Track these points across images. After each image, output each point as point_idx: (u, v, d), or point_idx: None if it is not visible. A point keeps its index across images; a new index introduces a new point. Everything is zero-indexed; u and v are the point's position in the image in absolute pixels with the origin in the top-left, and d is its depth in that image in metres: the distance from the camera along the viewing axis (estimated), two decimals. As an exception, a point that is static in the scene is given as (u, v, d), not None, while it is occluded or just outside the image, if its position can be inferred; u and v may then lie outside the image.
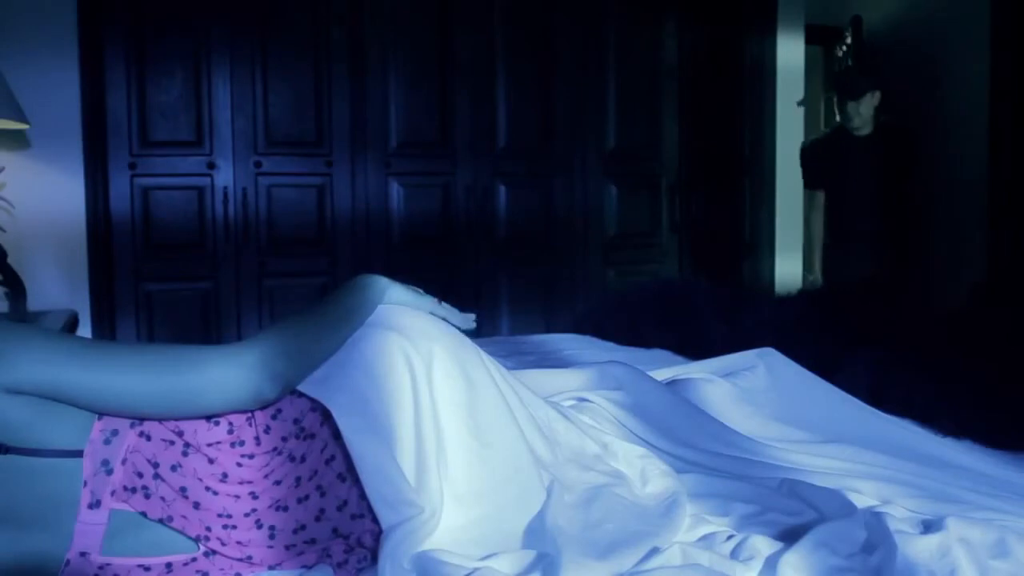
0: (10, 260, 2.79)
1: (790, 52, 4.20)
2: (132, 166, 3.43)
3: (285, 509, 1.12)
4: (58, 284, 3.22)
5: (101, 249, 3.36)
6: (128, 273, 3.45)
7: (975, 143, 4.18)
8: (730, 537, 1.15)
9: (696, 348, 2.10)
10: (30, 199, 3.11)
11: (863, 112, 3.83)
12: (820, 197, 4.01)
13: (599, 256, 3.99)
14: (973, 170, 4.18)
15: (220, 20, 3.48)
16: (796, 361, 1.86)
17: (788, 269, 4.25)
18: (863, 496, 1.29)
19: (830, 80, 4.34)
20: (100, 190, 3.36)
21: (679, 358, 2.11)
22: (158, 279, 3.49)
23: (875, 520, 1.12)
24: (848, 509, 1.18)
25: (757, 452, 1.49)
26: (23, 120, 2.79)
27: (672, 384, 1.70)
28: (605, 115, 4.01)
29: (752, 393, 1.76)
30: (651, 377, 1.68)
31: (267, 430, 1.17)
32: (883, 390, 1.80)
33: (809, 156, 4.08)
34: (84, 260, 3.28)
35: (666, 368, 1.89)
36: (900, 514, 1.21)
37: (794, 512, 1.23)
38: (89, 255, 3.28)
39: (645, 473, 1.36)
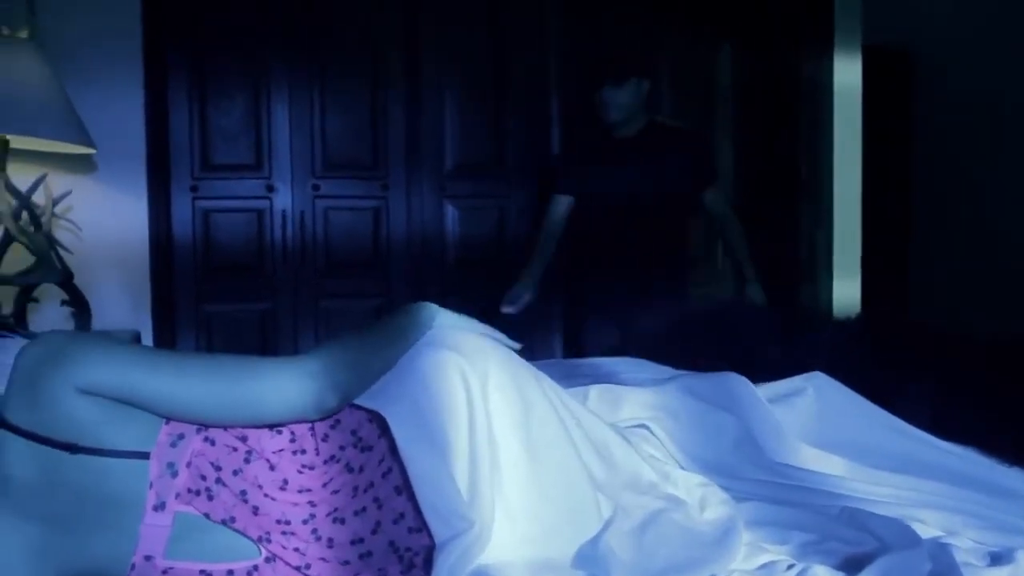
0: (76, 281, 2.85)
1: (847, 73, 4.16)
2: (194, 189, 3.50)
3: (342, 522, 1.14)
4: (122, 305, 3.29)
5: (163, 271, 3.43)
6: (189, 294, 3.52)
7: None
8: (791, 567, 1.14)
9: (747, 374, 2.08)
10: (96, 221, 3.18)
11: (623, 101, 3.09)
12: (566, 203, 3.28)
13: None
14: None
15: (279, 44, 3.55)
16: (851, 387, 1.83)
17: (846, 293, 4.19)
18: (927, 526, 1.27)
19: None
20: (163, 213, 3.43)
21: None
22: (218, 300, 3.55)
23: (941, 551, 1.10)
24: (912, 539, 1.15)
25: (815, 480, 1.47)
26: (90, 145, 2.86)
27: (733, 410, 1.68)
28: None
29: (801, 419, 1.74)
30: (707, 404, 1.67)
31: (325, 438, 1.20)
32: (943, 418, 1.77)
33: (562, 158, 3.56)
34: (147, 281, 3.34)
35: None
36: (966, 545, 1.19)
37: (855, 541, 1.21)
38: (152, 276, 3.35)
39: (705, 501, 1.35)
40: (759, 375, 1.93)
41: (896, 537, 1.17)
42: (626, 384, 1.94)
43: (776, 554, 1.21)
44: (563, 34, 3.85)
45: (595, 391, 1.68)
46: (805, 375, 1.89)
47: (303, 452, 1.19)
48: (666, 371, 2.17)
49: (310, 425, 1.21)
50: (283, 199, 3.57)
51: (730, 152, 4.12)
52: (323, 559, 1.11)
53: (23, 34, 2.78)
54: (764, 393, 1.84)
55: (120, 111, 3.24)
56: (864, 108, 4.18)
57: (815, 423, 1.73)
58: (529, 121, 3.82)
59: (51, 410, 1.06)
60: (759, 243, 4.10)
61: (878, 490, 1.41)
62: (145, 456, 1.10)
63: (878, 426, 1.72)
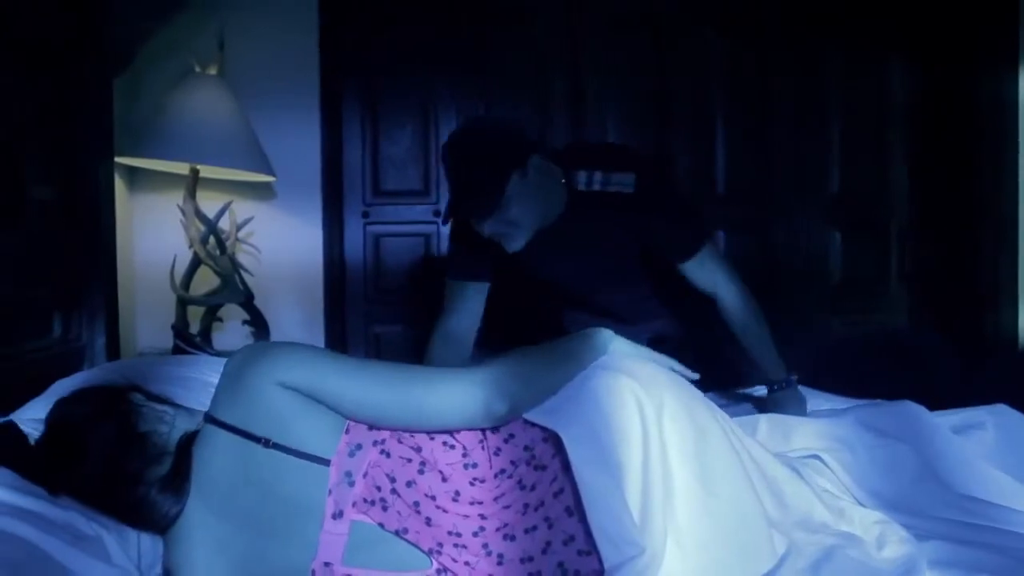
0: (256, 302, 3.01)
1: (1034, 88, 3.92)
2: (365, 214, 3.63)
3: (513, 538, 1.15)
4: (296, 324, 3.44)
5: (336, 292, 3.57)
6: (359, 315, 3.65)
7: None
8: (980, 611, 1.07)
9: (923, 404, 1.98)
10: (274, 246, 3.35)
11: (512, 219, 1.96)
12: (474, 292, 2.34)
13: (823, 304, 3.85)
14: None
15: (447, 75, 3.65)
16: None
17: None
18: None
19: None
20: (336, 237, 3.57)
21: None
22: (386, 321, 3.66)
23: None
24: (1119, 588, 1.07)
25: (1007, 518, 1.38)
26: (271, 173, 3.02)
27: (914, 440, 1.60)
28: (828, 159, 3.87)
29: (980, 453, 1.65)
30: (884, 436, 1.60)
31: (497, 452, 1.23)
32: None
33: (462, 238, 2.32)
34: (320, 302, 3.48)
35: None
36: None
37: (1053, 588, 1.13)
38: (325, 298, 3.49)
39: (883, 538, 1.30)
40: (936, 406, 1.84)
41: (1100, 585, 1.09)
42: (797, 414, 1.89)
43: (963, 598, 1.14)
44: (726, 56, 3.79)
45: (765, 421, 1.64)
46: (986, 407, 1.80)
47: (475, 466, 1.22)
48: (840, 400, 2.10)
49: (481, 438, 1.25)
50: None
51: (903, 172, 3.95)
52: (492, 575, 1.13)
53: (213, 70, 2.96)
54: (943, 422, 1.75)
55: (298, 141, 3.40)
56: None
57: (995, 457, 1.64)
58: (692, 146, 3.77)
59: (251, 401, 1.17)
60: (938, 267, 3.91)
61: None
62: (326, 463, 1.16)
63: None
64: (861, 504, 1.46)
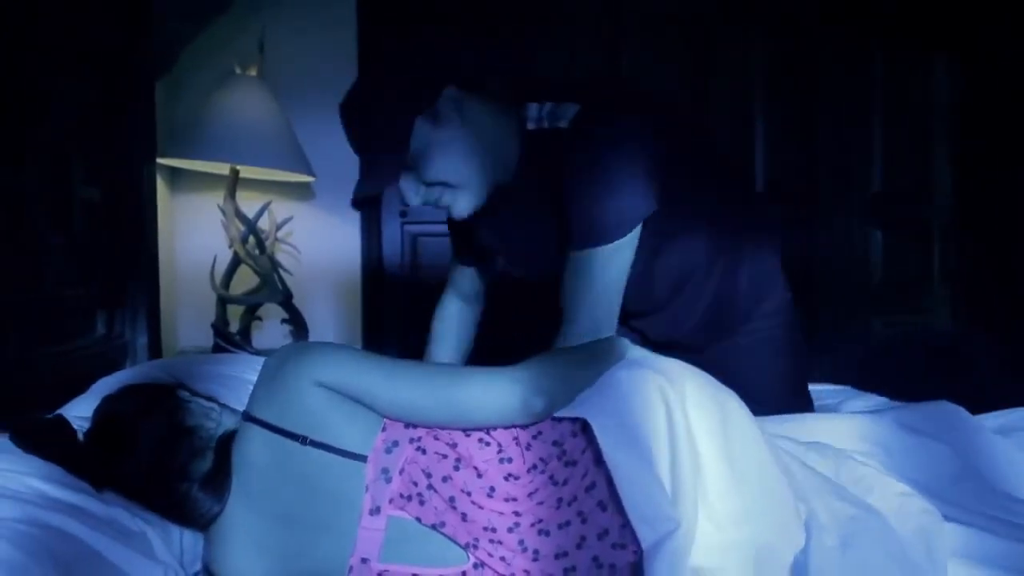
0: (294, 301, 3.03)
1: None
2: (403, 214, 3.64)
3: (547, 534, 1.16)
4: (335, 323, 3.47)
5: (374, 292, 3.59)
6: (397, 314, 3.65)
7: None
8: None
9: (973, 407, 1.95)
10: (313, 245, 3.38)
11: (445, 176, 1.59)
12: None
13: (864, 304, 3.80)
14: None
15: (485, 75, 3.65)
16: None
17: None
18: None
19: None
20: (374, 237, 3.59)
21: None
22: (423, 321, 3.65)
23: None
24: None
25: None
26: (310, 173, 3.04)
27: (954, 441, 1.58)
28: (870, 156, 3.83)
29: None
30: (921, 436, 1.57)
31: (528, 447, 1.24)
32: None
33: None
34: (358, 302, 3.51)
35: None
36: None
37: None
38: (363, 297, 3.51)
39: (903, 510, 1.27)
40: (981, 408, 1.82)
41: None
42: (838, 411, 1.87)
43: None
44: (766, 55, 3.76)
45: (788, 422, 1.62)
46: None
47: (509, 461, 1.24)
48: (880, 402, 2.08)
49: (514, 436, 1.26)
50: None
51: (948, 170, 3.89)
52: (527, 571, 1.13)
53: (253, 71, 2.99)
54: (988, 423, 1.73)
55: (336, 141, 3.38)
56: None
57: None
58: (732, 143, 3.74)
59: (289, 399, 1.19)
60: (983, 267, 3.85)
61: None
62: (363, 459, 1.18)
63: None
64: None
